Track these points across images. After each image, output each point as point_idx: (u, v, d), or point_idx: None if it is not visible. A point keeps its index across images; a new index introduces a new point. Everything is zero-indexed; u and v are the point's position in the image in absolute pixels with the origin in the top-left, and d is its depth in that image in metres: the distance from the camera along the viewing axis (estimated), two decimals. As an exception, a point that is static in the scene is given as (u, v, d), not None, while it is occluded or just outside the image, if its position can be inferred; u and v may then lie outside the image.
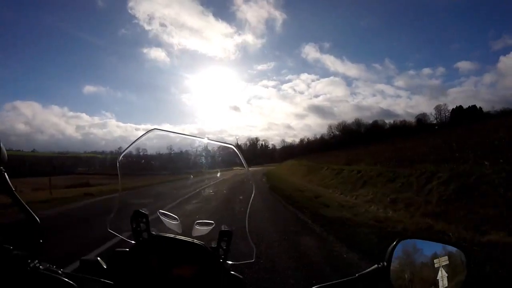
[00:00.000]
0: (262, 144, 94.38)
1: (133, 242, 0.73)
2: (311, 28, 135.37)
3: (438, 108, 64.34)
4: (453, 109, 62.24)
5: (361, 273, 0.65)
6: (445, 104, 65.17)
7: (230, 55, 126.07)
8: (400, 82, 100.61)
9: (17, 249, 0.63)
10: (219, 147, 0.90)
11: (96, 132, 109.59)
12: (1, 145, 0.63)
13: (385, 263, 0.63)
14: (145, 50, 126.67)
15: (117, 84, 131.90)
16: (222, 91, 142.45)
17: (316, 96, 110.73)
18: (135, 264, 0.71)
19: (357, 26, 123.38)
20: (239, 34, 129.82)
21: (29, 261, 0.63)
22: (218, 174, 1.12)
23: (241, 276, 0.73)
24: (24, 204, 0.66)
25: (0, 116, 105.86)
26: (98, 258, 0.73)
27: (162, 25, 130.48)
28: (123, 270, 0.71)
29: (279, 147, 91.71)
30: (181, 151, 1.07)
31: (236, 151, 0.77)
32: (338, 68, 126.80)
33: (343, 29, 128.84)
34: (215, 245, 0.73)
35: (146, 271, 0.70)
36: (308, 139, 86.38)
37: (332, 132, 77.76)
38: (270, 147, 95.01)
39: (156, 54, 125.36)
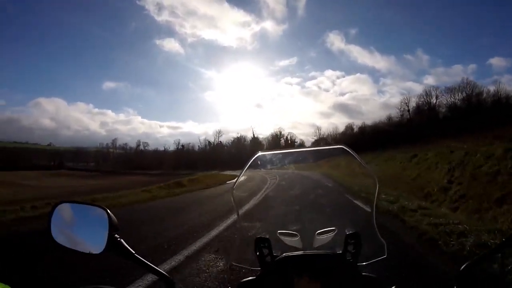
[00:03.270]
0: (287, 138, 72.98)
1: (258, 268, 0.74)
2: (336, 12, 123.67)
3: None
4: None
5: (507, 238, 0.63)
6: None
7: (247, 45, 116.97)
8: (429, 79, 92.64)
9: None
10: (327, 150, 0.96)
11: (121, 128, 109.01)
12: (111, 214, 0.68)
13: None
14: (157, 42, 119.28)
15: (135, 79, 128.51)
16: (243, 88, 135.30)
17: (342, 94, 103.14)
18: None
19: (385, 12, 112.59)
20: (257, 22, 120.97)
21: None
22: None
23: (375, 276, 0.71)
24: (151, 264, 0.67)
25: (27, 112, 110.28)
26: None
27: (173, 14, 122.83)
28: None
29: (311, 142, 67.41)
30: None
31: (347, 148, 0.78)
32: (366, 60, 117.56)
33: (370, 13, 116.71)
34: (341, 251, 0.73)
35: None
36: (352, 127, 59.95)
37: (402, 114, 48.39)
38: (298, 143, 72.23)
39: (170, 46, 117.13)
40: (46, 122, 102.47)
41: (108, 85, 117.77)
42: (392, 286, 0.68)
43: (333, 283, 0.69)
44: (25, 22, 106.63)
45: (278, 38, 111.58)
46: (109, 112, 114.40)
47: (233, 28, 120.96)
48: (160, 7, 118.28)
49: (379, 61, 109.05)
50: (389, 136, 39.02)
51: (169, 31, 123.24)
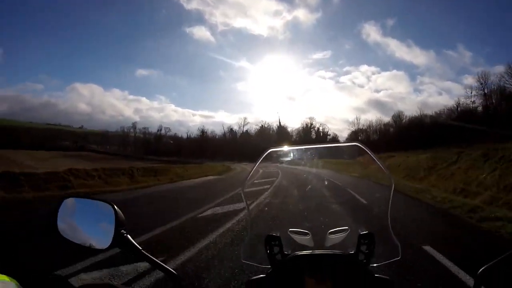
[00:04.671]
0: (318, 130, 67.28)
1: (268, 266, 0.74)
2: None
3: None
4: None
5: None
6: None
7: (279, 35, 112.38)
8: (469, 79, 79.38)
9: None
10: (341, 147, 0.94)
11: (155, 115, 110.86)
12: (118, 210, 0.67)
13: None
14: (188, 30, 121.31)
15: (167, 68, 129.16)
16: (275, 79, 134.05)
17: (377, 90, 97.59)
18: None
19: (425, 1, 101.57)
20: (289, 11, 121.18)
21: None
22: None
23: (387, 278, 0.71)
24: (157, 261, 0.67)
25: (63, 96, 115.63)
26: None
27: (203, 2, 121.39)
28: None
29: (345, 138, 62.38)
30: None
31: (362, 146, 0.78)
32: (403, 55, 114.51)
33: (409, 2, 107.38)
34: (354, 251, 0.72)
35: None
36: (401, 117, 51.93)
37: (473, 101, 38.52)
38: (331, 136, 65.98)
39: (200, 34, 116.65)
40: (82, 107, 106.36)
41: (142, 72, 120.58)
42: None
43: (344, 283, 0.69)
44: (64, 11, 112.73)
45: (312, 27, 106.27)
46: (144, 99, 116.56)
47: (264, 16, 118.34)
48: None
49: (417, 56, 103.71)
50: (455, 129, 29.94)
51: (199, 19, 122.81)
